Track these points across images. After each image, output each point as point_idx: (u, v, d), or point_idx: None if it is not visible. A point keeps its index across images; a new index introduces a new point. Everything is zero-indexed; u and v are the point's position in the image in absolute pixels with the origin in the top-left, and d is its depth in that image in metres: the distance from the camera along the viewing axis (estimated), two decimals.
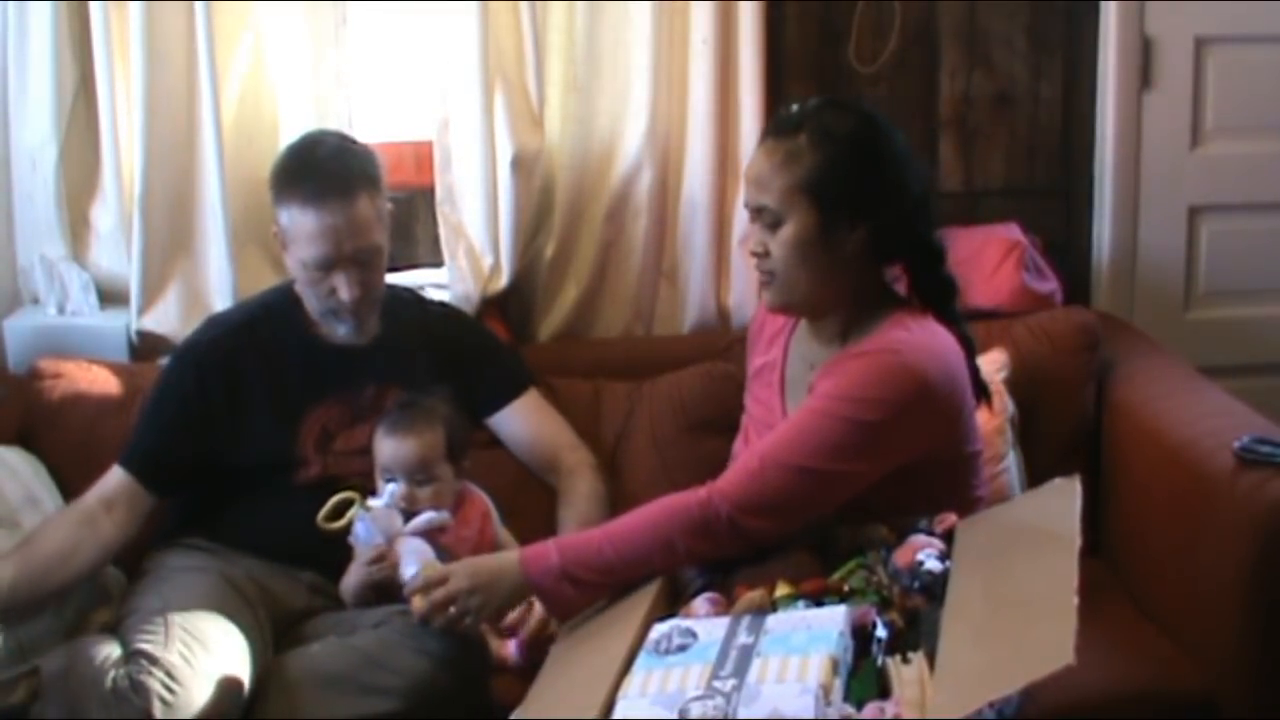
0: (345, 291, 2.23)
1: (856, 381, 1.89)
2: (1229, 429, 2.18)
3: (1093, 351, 2.57)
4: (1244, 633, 2.06)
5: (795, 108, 1.99)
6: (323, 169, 2.23)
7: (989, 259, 2.70)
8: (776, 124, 2.00)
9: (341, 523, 2.07)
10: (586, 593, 1.88)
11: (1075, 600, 1.53)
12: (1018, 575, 1.69)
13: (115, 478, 2.25)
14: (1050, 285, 2.75)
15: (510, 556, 1.93)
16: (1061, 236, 2.95)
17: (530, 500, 2.39)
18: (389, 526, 2.07)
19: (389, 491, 2.12)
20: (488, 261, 2.72)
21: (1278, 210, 3.03)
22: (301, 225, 2.21)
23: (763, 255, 1.97)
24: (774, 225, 1.95)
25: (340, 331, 2.31)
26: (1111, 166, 2.94)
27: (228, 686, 1.91)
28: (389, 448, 2.16)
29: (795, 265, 1.95)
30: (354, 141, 2.36)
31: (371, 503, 2.09)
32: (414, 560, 2.01)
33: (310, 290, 2.28)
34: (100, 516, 2.19)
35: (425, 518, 2.09)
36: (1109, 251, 2.96)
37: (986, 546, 1.77)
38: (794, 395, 2.05)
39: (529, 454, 2.42)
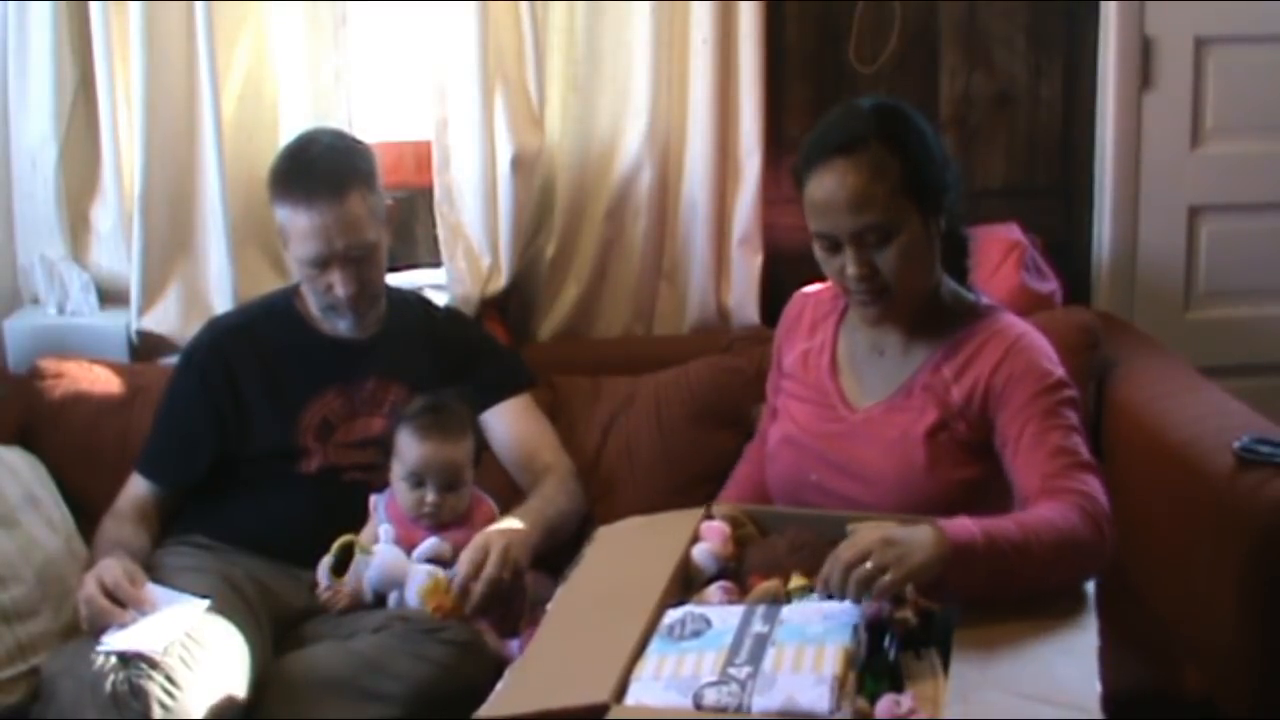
0: (341, 288, 2.26)
1: (1044, 368, 1.93)
2: (1229, 429, 2.18)
3: (1093, 351, 2.57)
4: (1244, 633, 2.06)
5: (839, 123, 1.94)
6: (314, 168, 2.26)
7: (989, 259, 2.69)
8: (838, 143, 1.89)
9: (349, 576, 2.10)
10: (993, 564, 1.69)
11: (1098, 688, 1.56)
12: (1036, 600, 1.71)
13: (139, 486, 2.33)
14: (1050, 285, 2.75)
15: (917, 525, 1.72)
16: (1061, 236, 2.96)
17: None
18: (398, 565, 2.09)
19: (384, 530, 2.14)
20: (486, 262, 2.72)
21: (1278, 210, 3.03)
22: (295, 224, 2.25)
23: (870, 275, 1.91)
24: (884, 240, 1.89)
25: (341, 327, 2.34)
26: (1111, 166, 2.94)
27: (227, 690, 1.91)
28: (425, 452, 2.16)
29: (914, 273, 1.94)
30: (349, 139, 2.39)
31: (375, 548, 2.11)
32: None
33: (309, 286, 2.32)
34: (139, 521, 2.26)
35: (430, 544, 2.12)
36: (1109, 251, 2.97)
37: None
38: (849, 376, 2.06)
39: (508, 454, 2.41)
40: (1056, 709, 1.52)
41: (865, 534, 1.69)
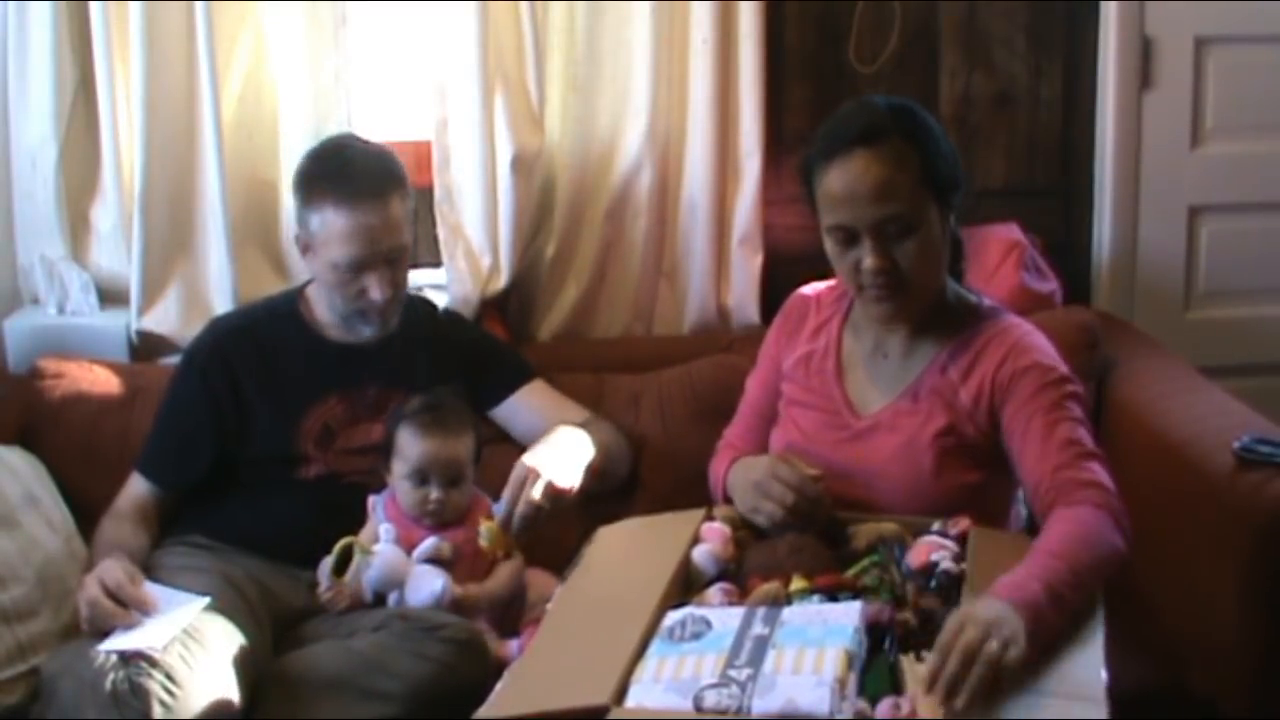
0: (377, 291, 2.26)
1: (1048, 364, 1.94)
2: (1229, 429, 2.18)
3: (1093, 351, 2.57)
4: (1245, 632, 2.06)
5: (855, 116, 1.93)
6: (357, 170, 2.27)
7: (989, 259, 2.70)
8: (859, 134, 1.89)
9: (348, 577, 2.09)
10: (1058, 610, 1.65)
11: (1104, 678, 1.56)
12: None
13: (138, 486, 2.32)
14: (1050, 285, 2.75)
15: (987, 600, 1.62)
16: (1061, 236, 2.96)
17: None
18: (398, 564, 2.09)
19: (384, 530, 2.14)
20: (486, 262, 2.71)
21: (1278, 210, 3.03)
22: (336, 226, 2.23)
23: (890, 270, 1.89)
24: (905, 233, 1.88)
25: (364, 333, 2.33)
26: (1111, 166, 2.94)
27: (227, 689, 1.91)
28: (429, 448, 2.15)
29: (930, 269, 1.93)
30: (376, 144, 2.39)
31: (375, 548, 2.11)
32: (426, 585, 2.07)
33: (338, 292, 2.29)
34: (138, 521, 2.26)
35: (430, 543, 2.12)
36: (1109, 251, 2.97)
37: (1005, 563, 1.76)
38: (854, 380, 2.05)
39: (540, 435, 2.41)
40: (1060, 701, 1.52)
41: (968, 626, 1.57)
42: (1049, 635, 1.62)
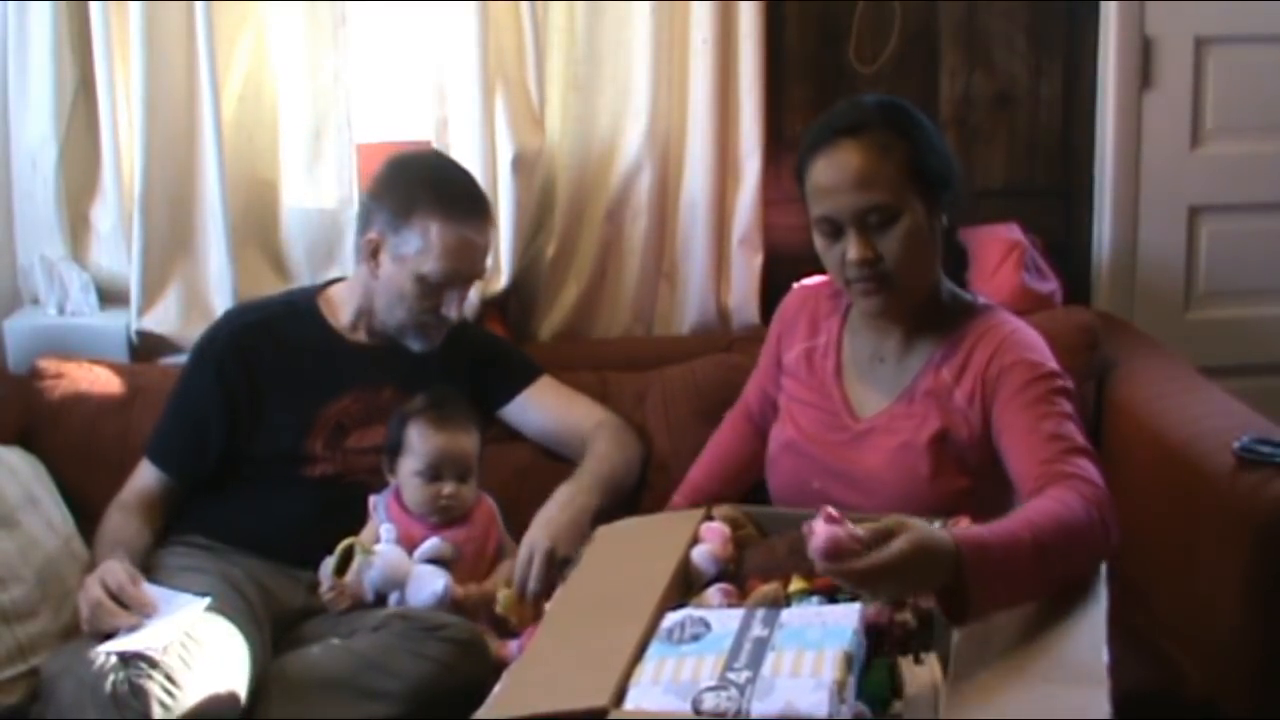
0: (453, 309, 2.29)
1: (1036, 359, 1.92)
2: (1229, 429, 2.18)
3: (1093, 351, 2.57)
4: (1244, 633, 2.06)
5: (842, 111, 1.94)
6: (468, 189, 2.31)
7: (989, 259, 2.70)
8: (846, 125, 1.90)
9: (349, 576, 2.09)
10: (1015, 588, 1.64)
11: (1105, 658, 1.55)
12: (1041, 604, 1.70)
13: (147, 474, 2.32)
14: (1050, 285, 2.76)
15: (938, 538, 1.59)
16: (1061, 236, 2.96)
17: (528, 500, 2.38)
18: (399, 565, 2.09)
19: (385, 530, 2.14)
20: (486, 262, 2.71)
21: (1278, 210, 3.03)
22: (440, 238, 2.24)
23: (873, 261, 1.89)
24: (888, 222, 1.87)
25: (415, 347, 2.34)
26: (1111, 166, 2.94)
27: (227, 689, 1.91)
28: (440, 443, 2.16)
29: (916, 262, 1.92)
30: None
31: (376, 548, 2.11)
32: (427, 586, 2.08)
33: (410, 305, 2.29)
34: (144, 513, 2.26)
35: (431, 544, 2.12)
36: (1109, 251, 2.97)
37: None
38: (854, 383, 2.05)
39: (550, 435, 2.42)
40: (1060, 687, 1.51)
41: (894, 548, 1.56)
42: (994, 594, 1.59)
